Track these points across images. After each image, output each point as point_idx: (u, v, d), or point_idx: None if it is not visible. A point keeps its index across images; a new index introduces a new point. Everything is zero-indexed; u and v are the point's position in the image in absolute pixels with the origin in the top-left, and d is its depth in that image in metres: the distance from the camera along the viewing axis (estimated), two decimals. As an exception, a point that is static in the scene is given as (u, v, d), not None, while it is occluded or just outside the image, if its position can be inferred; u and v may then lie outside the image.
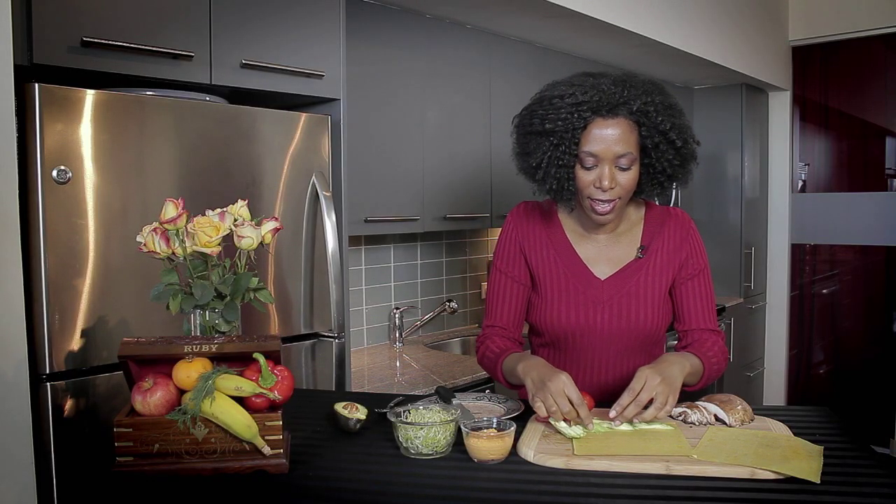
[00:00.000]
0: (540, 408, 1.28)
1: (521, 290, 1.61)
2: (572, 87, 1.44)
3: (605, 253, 1.57)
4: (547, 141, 1.45)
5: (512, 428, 1.20)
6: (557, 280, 1.56)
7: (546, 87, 1.50)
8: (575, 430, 1.24)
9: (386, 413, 1.28)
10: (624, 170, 1.44)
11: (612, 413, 1.28)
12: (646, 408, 1.28)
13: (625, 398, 1.28)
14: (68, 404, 1.53)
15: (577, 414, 1.26)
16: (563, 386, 1.27)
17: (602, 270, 1.56)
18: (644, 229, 1.58)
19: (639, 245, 1.56)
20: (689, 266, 1.56)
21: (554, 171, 1.46)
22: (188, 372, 1.15)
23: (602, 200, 1.46)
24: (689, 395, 1.45)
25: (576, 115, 1.41)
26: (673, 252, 1.56)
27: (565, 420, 1.27)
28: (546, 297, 1.57)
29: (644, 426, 1.28)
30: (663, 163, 1.46)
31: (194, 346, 1.16)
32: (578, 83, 1.45)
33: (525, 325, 1.65)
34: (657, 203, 1.64)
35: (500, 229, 1.66)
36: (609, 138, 1.42)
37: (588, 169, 1.44)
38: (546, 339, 1.61)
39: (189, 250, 1.25)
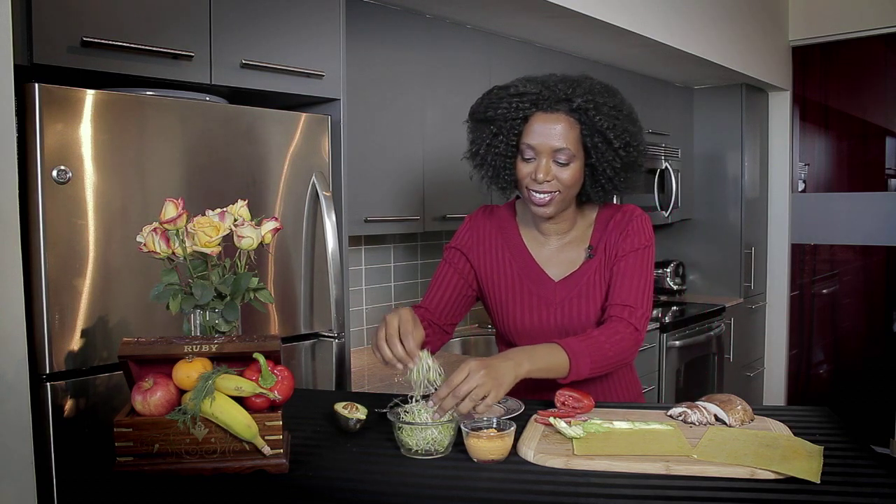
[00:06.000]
0: (380, 345, 1.31)
1: (459, 281, 1.63)
2: (525, 81, 1.49)
3: (559, 256, 1.60)
4: (487, 129, 1.51)
5: (512, 428, 1.20)
6: (511, 282, 1.60)
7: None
8: (575, 430, 1.24)
9: (386, 413, 1.28)
10: (562, 165, 1.47)
11: (430, 404, 1.24)
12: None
13: (442, 390, 1.23)
14: (68, 404, 1.53)
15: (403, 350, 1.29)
16: (398, 318, 1.30)
17: (555, 273, 1.59)
18: (594, 230, 1.60)
19: (587, 245, 1.58)
20: (620, 249, 1.54)
21: (490, 158, 1.52)
22: (188, 372, 1.15)
23: (537, 192, 1.48)
24: (689, 395, 1.44)
25: (514, 107, 1.46)
26: (613, 246, 1.56)
27: (564, 420, 1.27)
28: (501, 299, 1.60)
29: (644, 426, 1.28)
30: (604, 164, 1.48)
31: (194, 346, 1.16)
32: (532, 78, 1.50)
33: (483, 327, 1.66)
34: (615, 202, 1.64)
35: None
36: (547, 132, 1.45)
37: (527, 160, 1.49)
38: (506, 341, 1.64)
39: (189, 250, 1.25)
